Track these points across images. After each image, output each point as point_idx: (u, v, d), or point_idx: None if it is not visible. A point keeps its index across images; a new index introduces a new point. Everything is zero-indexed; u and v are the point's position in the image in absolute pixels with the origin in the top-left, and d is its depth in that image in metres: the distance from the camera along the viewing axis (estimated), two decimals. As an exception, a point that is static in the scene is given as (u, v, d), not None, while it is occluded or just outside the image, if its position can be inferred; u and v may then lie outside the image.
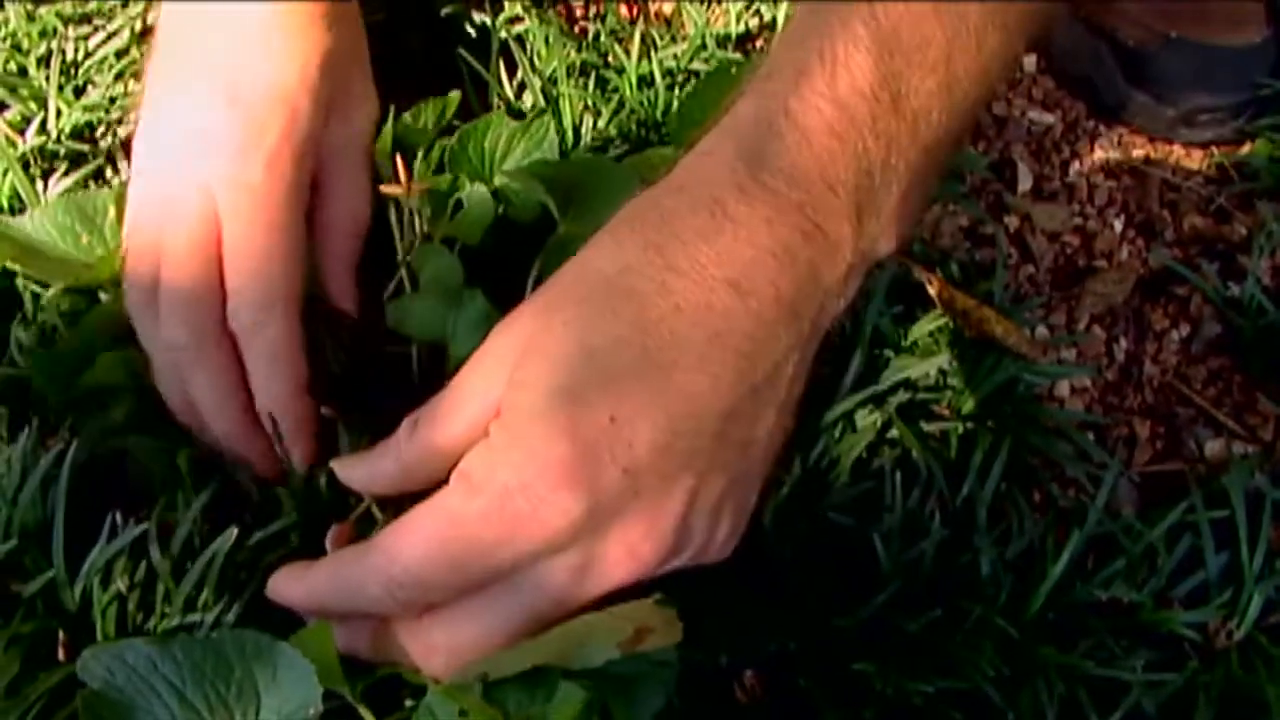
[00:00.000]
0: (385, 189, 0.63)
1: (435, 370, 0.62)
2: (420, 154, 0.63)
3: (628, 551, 0.50)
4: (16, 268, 0.64)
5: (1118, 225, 0.81)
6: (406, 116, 0.62)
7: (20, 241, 0.64)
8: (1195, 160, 0.84)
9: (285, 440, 0.60)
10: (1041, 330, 0.76)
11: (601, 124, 0.69)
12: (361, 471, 0.57)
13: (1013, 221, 0.80)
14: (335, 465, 0.58)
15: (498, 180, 0.62)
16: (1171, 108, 0.83)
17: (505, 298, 0.60)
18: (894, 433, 0.65)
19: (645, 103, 0.70)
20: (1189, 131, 0.84)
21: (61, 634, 0.59)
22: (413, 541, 0.50)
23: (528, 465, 0.48)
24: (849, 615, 0.60)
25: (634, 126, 0.69)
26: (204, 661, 0.51)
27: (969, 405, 0.67)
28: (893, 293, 0.67)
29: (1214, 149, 0.85)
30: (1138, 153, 0.84)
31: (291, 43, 0.62)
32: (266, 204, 0.61)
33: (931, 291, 0.67)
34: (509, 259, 0.62)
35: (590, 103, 0.70)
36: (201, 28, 0.62)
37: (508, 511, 0.49)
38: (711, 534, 0.52)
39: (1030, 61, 0.86)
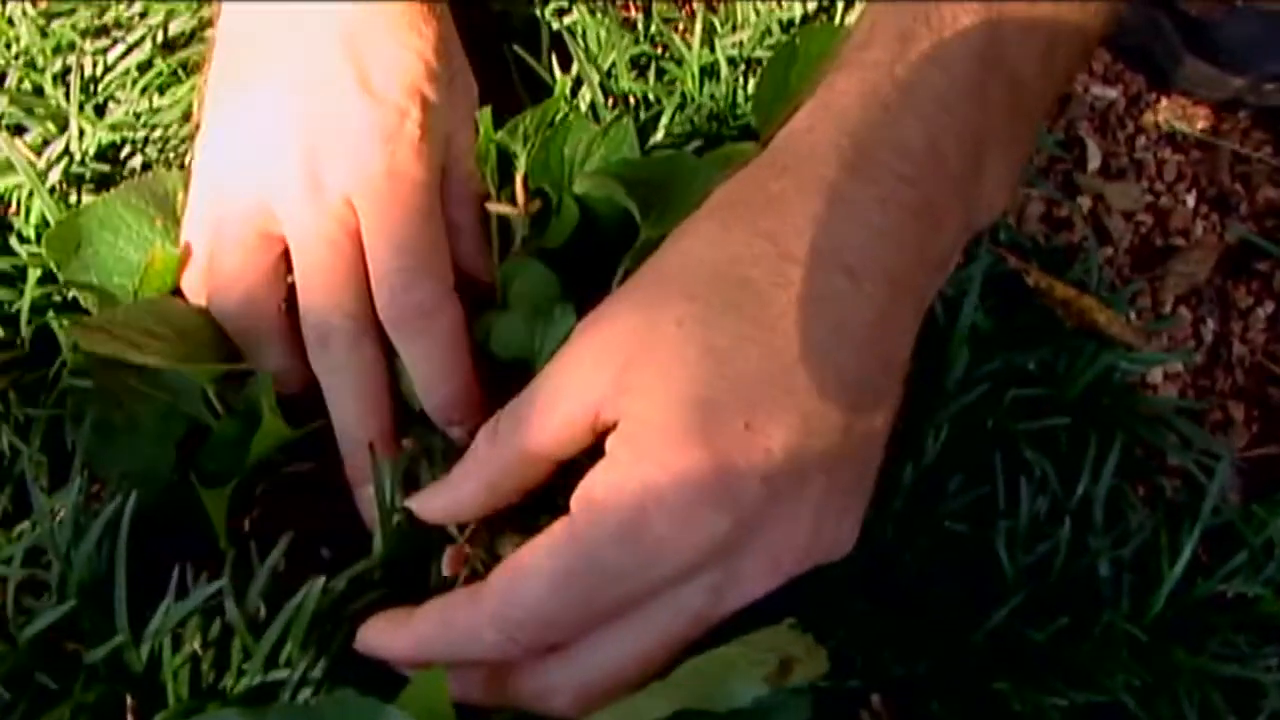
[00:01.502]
0: (494, 207, 0.58)
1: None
2: (522, 168, 0.58)
3: (770, 563, 0.47)
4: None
5: (1190, 200, 0.78)
6: (504, 132, 0.58)
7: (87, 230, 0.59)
8: (1263, 130, 0.81)
9: (467, 427, 0.56)
10: (1130, 316, 0.73)
11: (666, 119, 0.65)
12: (442, 501, 0.52)
13: (1085, 202, 0.76)
14: (411, 503, 0.53)
15: (578, 186, 0.57)
16: (1237, 76, 0.80)
17: (587, 308, 0.57)
18: (1000, 430, 0.61)
19: (712, 95, 0.65)
20: (1255, 100, 0.81)
21: (130, 699, 0.54)
22: (533, 578, 0.46)
23: (663, 483, 0.44)
24: (976, 629, 0.56)
25: (704, 120, 0.64)
26: (303, 732, 0.46)
27: (1071, 398, 0.64)
28: (987, 285, 0.63)
29: (1281, 118, 0.82)
30: (1203, 124, 0.81)
31: (413, 32, 0.58)
32: (414, 192, 0.57)
33: (1029, 282, 0.63)
34: (589, 266, 0.58)
35: (654, 97, 0.65)
36: (282, 27, 0.58)
37: (644, 536, 0.44)
38: (839, 532, 0.48)
39: (1086, 35, 0.83)
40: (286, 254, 0.58)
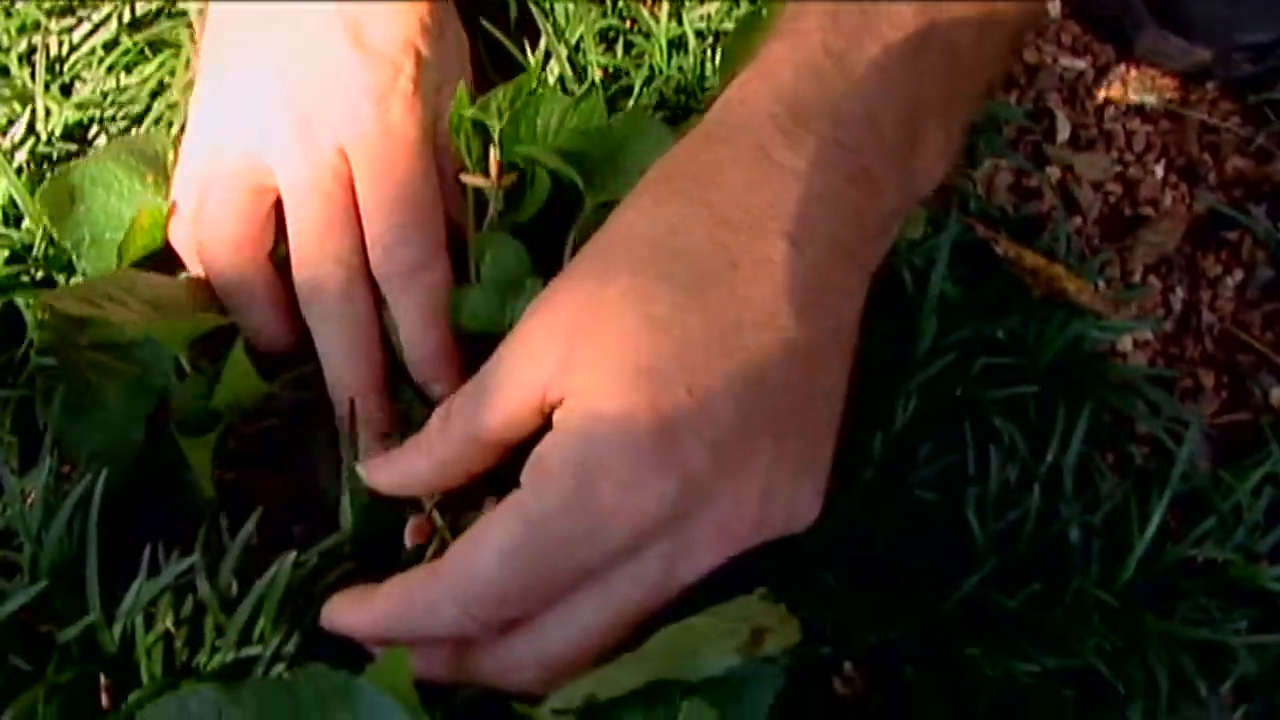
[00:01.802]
0: (469, 179, 0.58)
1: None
2: (496, 142, 0.58)
3: (719, 530, 0.47)
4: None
5: (1159, 171, 0.78)
6: (477, 107, 0.57)
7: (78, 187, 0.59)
8: (1231, 101, 0.82)
9: (444, 386, 0.57)
10: (1099, 284, 0.73)
11: (635, 92, 0.65)
12: (391, 473, 0.53)
13: (1054, 172, 0.76)
14: (361, 469, 0.53)
15: (523, 155, 0.58)
16: (1204, 48, 0.80)
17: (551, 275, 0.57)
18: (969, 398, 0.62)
19: (680, 68, 0.65)
20: (1223, 71, 0.81)
21: (104, 679, 0.54)
22: (487, 552, 0.46)
23: (608, 452, 0.45)
24: (948, 597, 0.56)
25: (672, 93, 0.64)
26: (277, 706, 0.45)
27: (1040, 367, 0.64)
28: (956, 254, 0.63)
29: (1249, 89, 0.82)
30: (1171, 95, 0.81)
31: None
32: (408, 148, 0.58)
33: (998, 250, 0.63)
34: (560, 240, 0.58)
35: (623, 70, 0.65)
36: None
37: (592, 504, 0.45)
38: (794, 499, 0.48)
39: (1055, 7, 0.83)
40: (277, 207, 0.59)
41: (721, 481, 0.46)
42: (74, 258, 0.60)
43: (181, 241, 0.60)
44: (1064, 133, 0.78)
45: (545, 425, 0.48)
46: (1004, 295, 0.65)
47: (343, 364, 0.58)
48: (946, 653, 0.55)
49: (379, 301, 0.58)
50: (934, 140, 0.50)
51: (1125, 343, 0.71)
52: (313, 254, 0.57)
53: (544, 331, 0.48)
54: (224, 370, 0.55)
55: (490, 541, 0.46)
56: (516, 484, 0.47)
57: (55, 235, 0.59)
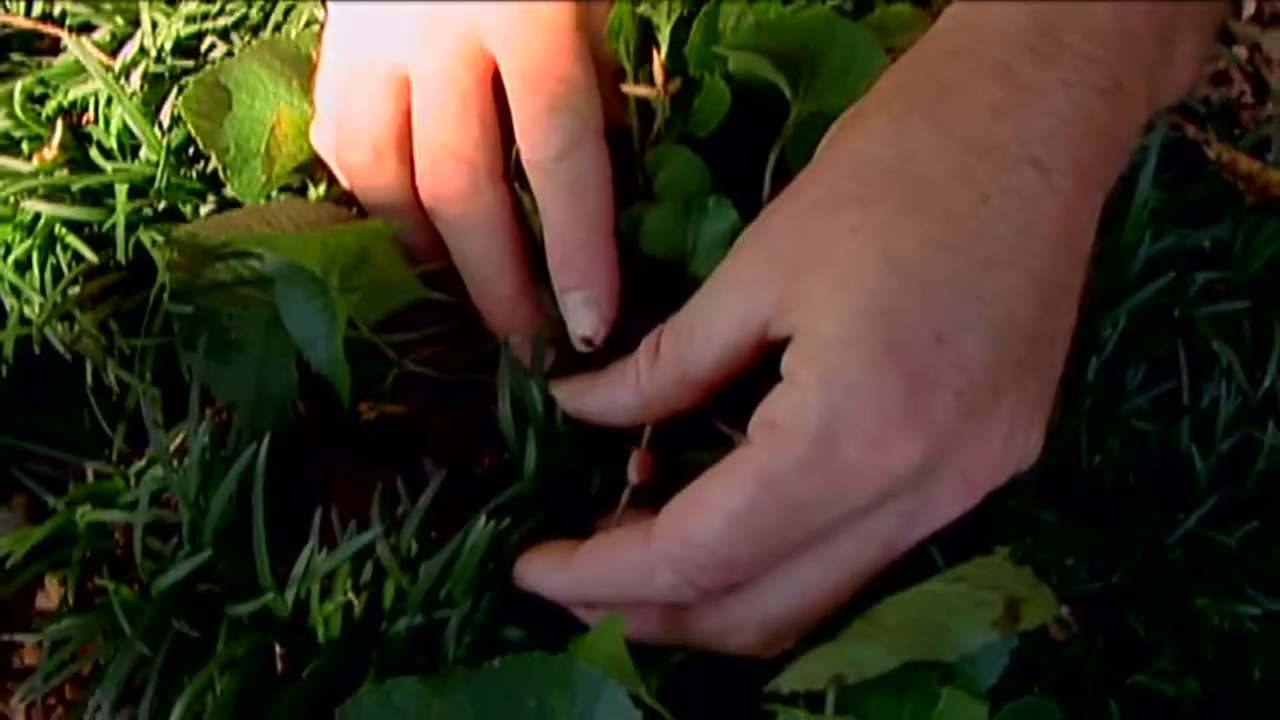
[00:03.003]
0: (630, 89, 0.52)
1: (671, 291, 0.52)
2: (664, 44, 0.52)
3: (964, 484, 0.43)
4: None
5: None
6: (647, 4, 0.51)
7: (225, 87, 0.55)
8: None
9: (588, 294, 0.51)
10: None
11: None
12: (594, 401, 0.50)
13: (1241, 52, 0.70)
14: (559, 390, 0.50)
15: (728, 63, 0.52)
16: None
17: (737, 196, 0.51)
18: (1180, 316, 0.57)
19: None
20: None
21: (278, 647, 0.51)
22: (712, 515, 0.43)
23: (852, 406, 0.41)
24: (1168, 534, 0.53)
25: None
26: (490, 699, 0.43)
27: (1246, 279, 0.59)
28: (1162, 157, 0.58)
29: None
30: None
31: None
32: (554, 26, 0.52)
33: (1210, 154, 0.58)
34: (736, 150, 0.53)
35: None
36: None
37: (834, 464, 0.41)
38: (1028, 442, 0.45)
39: None
40: None
41: (967, 433, 0.42)
42: (222, 171, 0.55)
43: (325, 144, 0.56)
44: (1249, 8, 0.71)
45: (760, 363, 0.45)
46: (1209, 200, 0.59)
47: (474, 268, 0.53)
48: (1171, 600, 0.51)
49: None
50: (1187, 48, 0.46)
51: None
52: (433, 148, 0.52)
53: (761, 263, 0.44)
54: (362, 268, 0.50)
55: (716, 503, 0.42)
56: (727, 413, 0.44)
57: (201, 145, 0.55)
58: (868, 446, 0.41)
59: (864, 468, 0.41)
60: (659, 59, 0.53)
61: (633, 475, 0.49)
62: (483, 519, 0.47)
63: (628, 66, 0.54)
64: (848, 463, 0.41)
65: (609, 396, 0.49)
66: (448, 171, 0.52)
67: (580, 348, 0.52)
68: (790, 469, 0.41)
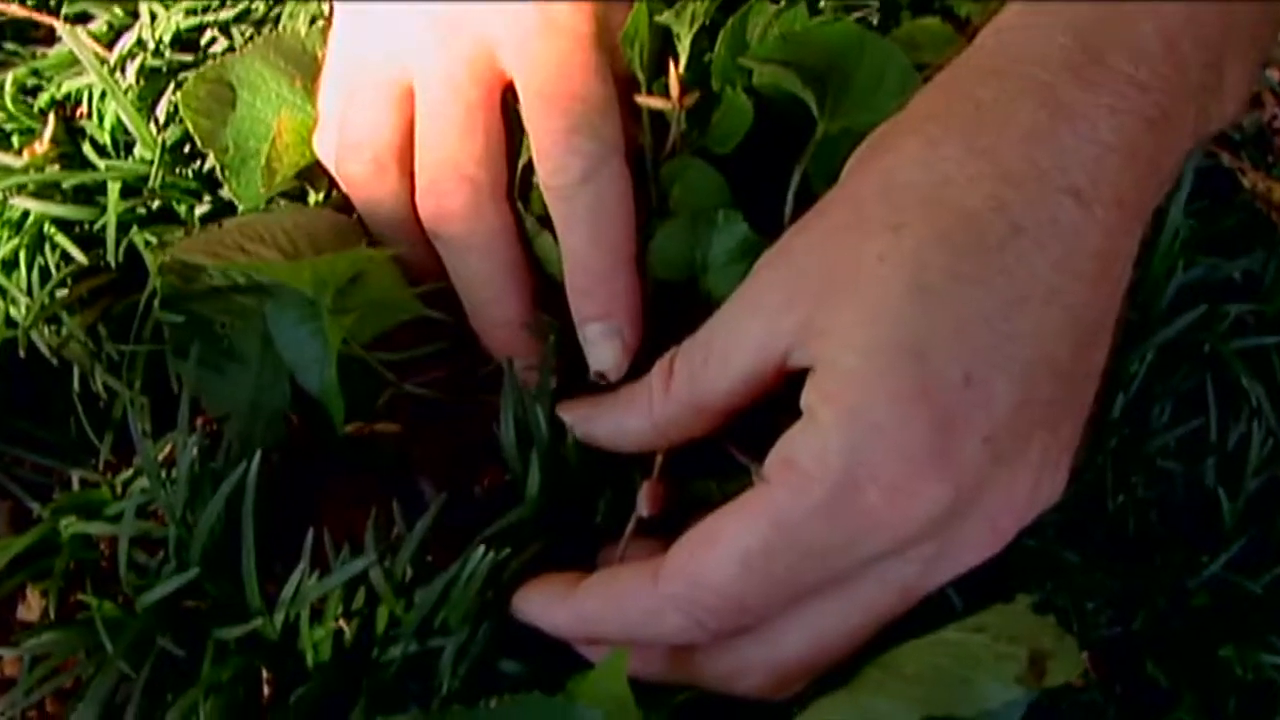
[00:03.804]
0: (645, 101, 0.50)
1: (683, 308, 0.50)
2: (684, 54, 0.50)
3: (989, 529, 0.42)
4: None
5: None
6: (670, 14, 0.49)
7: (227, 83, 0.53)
8: None
9: (611, 325, 0.49)
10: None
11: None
12: (604, 426, 0.48)
13: (1273, 75, 0.68)
14: (567, 413, 0.48)
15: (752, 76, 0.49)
16: None
17: (756, 216, 0.49)
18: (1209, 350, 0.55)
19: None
20: None
21: (265, 672, 0.49)
22: (724, 558, 0.41)
23: (875, 449, 0.39)
24: (1192, 578, 0.51)
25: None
26: (485, 740, 0.41)
27: (1277, 312, 0.57)
28: (1195, 184, 0.56)
29: None
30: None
31: None
32: (574, 40, 0.49)
33: (1245, 183, 0.56)
34: (757, 165, 0.51)
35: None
36: None
37: (854, 509, 0.39)
38: (1055, 484, 0.43)
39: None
40: None
41: (994, 478, 0.40)
42: (220, 172, 0.53)
43: (329, 156, 0.53)
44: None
45: (779, 390, 0.43)
46: (1241, 230, 0.57)
47: (474, 292, 0.51)
48: (1194, 648, 0.50)
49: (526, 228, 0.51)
50: (1236, 76, 0.43)
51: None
52: (434, 164, 0.50)
53: (783, 287, 0.42)
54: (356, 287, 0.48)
55: (729, 544, 0.41)
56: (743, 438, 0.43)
57: (199, 143, 0.52)
58: (890, 492, 0.39)
59: (885, 514, 0.39)
60: (675, 70, 0.51)
61: (642, 508, 0.47)
62: (481, 548, 0.45)
63: (641, 77, 0.51)
64: (868, 508, 0.39)
65: (619, 422, 0.47)
66: (449, 189, 0.49)
67: (596, 379, 0.50)
68: (808, 513, 0.39)
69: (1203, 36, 0.42)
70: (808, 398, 0.41)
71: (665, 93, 0.51)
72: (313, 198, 0.55)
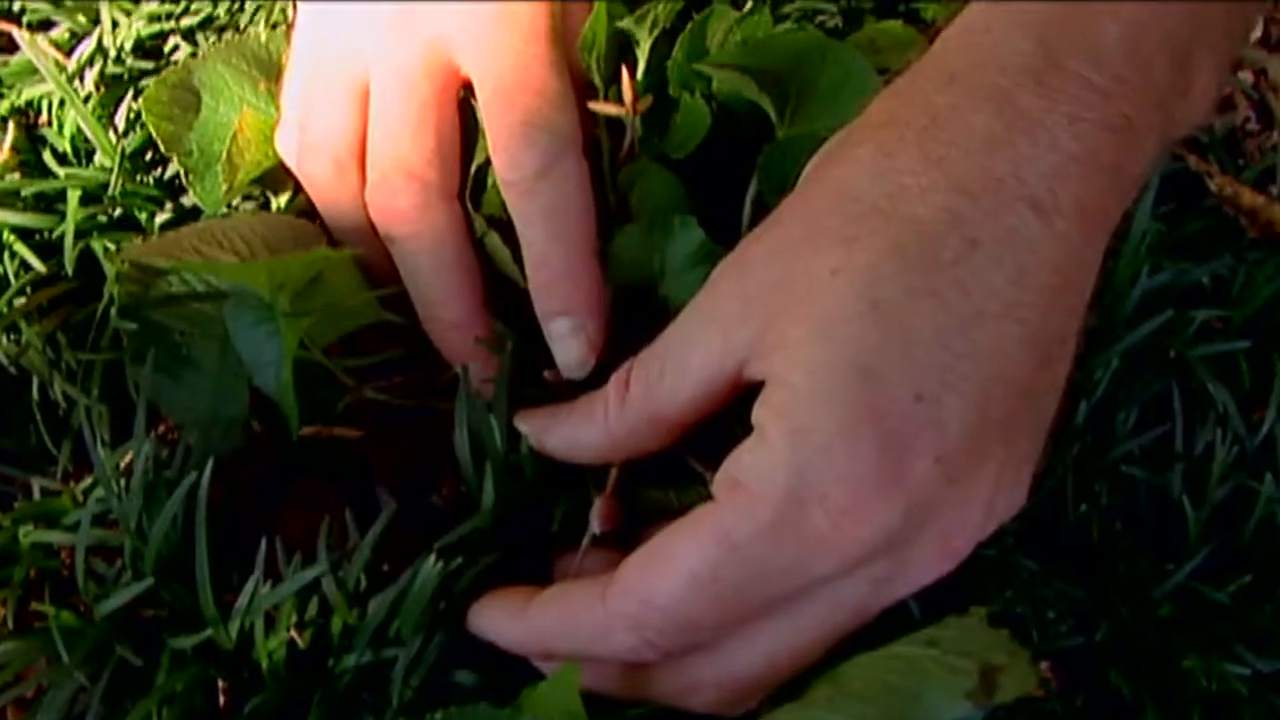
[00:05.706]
0: (599, 107, 0.50)
1: (642, 315, 0.50)
2: (643, 59, 0.49)
3: (941, 550, 0.41)
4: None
5: (1360, 74, 0.69)
6: (631, 19, 0.49)
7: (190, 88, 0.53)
8: None
9: (574, 321, 0.49)
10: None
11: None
12: (560, 437, 0.47)
13: (1246, 77, 0.67)
14: (523, 423, 0.48)
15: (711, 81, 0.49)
16: None
17: (715, 222, 0.49)
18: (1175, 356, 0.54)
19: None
20: None
21: (221, 681, 0.49)
22: (672, 577, 0.40)
23: (823, 469, 0.38)
24: (1156, 588, 0.50)
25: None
26: (433, 750, 0.41)
27: (1245, 318, 0.56)
28: (1162, 188, 0.55)
29: None
30: (1373, -17, 0.71)
31: None
32: (530, 35, 0.49)
33: (1213, 187, 0.55)
34: (717, 173, 0.50)
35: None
36: None
37: (801, 531, 0.38)
38: (1012, 500, 0.42)
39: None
40: None
41: (947, 498, 0.39)
42: (184, 177, 0.52)
43: (291, 155, 0.53)
44: (1255, 30, 0.69)
45: (734, 401, 0.42)
46: (1209, 234, 0.56)
47: (425, 290, 0.50)
48: (1157, 658, 0.49)
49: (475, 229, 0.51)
50: (1204, 77, 0.42)
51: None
52: (384, 161, 0.49)
53: (738, 299, 0.41)
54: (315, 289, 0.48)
55: (677, 563, 0.40)
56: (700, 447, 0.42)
57: (162, 148, 0.52)
58: (837, 515, 0.38)
59: (833, 536, 0.38)
60: (628, 76, 0.50)
61: (595, 525, 0.46)
62: (432, 558, 0.45)
63: (598, 82, 0.51)
64: (816, 531, 0.38)
65: (575, 434, 0.47)
66: (397, 187, 0.49)
67: (552, 379, 0.49)
68: (755, 534, 0.39)
69: (1170, 35, 0.41)
70: (758, 414, 0.40)
71: (620, 99, 0.51)
72: (275, 204, 0.54)
